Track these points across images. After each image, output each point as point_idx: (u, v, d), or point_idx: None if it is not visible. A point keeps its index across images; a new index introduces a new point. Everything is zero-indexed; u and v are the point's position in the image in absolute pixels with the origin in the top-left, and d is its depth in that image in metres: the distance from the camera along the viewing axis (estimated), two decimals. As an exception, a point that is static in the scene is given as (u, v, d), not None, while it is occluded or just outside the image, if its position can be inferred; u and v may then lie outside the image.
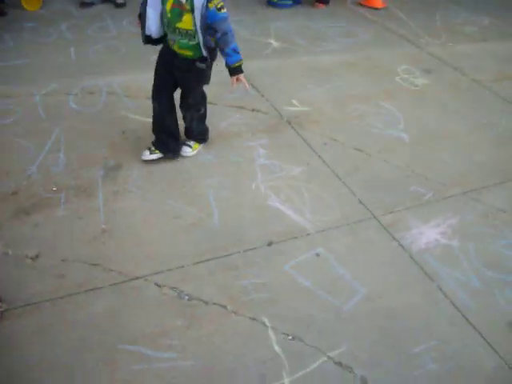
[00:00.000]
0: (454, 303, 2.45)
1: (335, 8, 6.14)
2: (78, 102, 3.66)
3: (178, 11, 2.64)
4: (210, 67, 2.91)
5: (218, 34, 2.66)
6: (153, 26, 2.76)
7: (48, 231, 2.62)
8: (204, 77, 2.94)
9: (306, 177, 3.15)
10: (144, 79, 3.92)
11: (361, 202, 3.00)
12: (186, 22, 2.66)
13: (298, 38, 5.10)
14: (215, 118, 3.55)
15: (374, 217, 2.91)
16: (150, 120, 3.20)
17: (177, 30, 2.71)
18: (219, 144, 3.36)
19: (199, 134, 3.25)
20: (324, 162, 3.29)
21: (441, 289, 2.52)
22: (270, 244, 2.66)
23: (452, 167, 3.39)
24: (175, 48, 2.80)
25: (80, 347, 2.10)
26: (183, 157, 3.20)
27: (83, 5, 5.32)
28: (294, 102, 3.94)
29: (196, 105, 3.08)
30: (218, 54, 2.86)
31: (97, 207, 2.78)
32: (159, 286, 2.38)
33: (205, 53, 2.75)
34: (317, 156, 3.34)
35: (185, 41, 2.73)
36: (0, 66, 4.10)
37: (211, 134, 3.35)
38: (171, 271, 2.46)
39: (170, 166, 3.12)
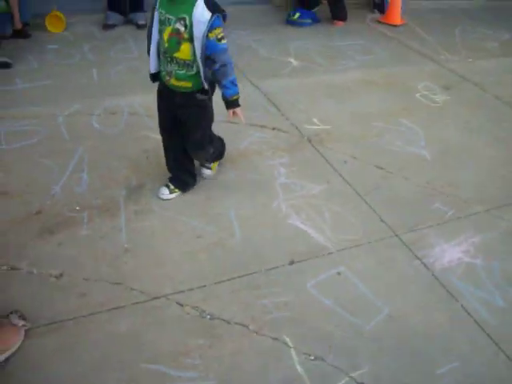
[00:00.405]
0: (477, 323, 2.42)
1: (354, 26, 6.19)
2: (101, 123, 3.72)
3: (176, 40, 2.55)
4: (210, 100, 2.81)
5: (217, 66, 2.56)
6: (152, 60, 2.70)
7: (71, 250, 2.65)
8: (207, 111, 2.83)
9: (327, 195, 3.14)
10: (165, 99, 3.99)
11: (382, 220, 2.99)
12: (183, 52, 2.56)
13: (317, 57, 5.14)
14: (236, 137, 3.58)
15: (396, 235, 2.89)
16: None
17: (174, 60, 2.60)
18: (240, 163, 3.38)
19: (215, 158, 3.20)
20: (345, 180, 3.29)
21: (464, 308, 2.48)
22: (291, 263, 2.66)
23: (474, 184, 3.36)
24: (173, 82, 2.68)
25: (102, 366, 2.11)
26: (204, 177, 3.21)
27: (106, 27, 5.44)
28: (315, 120, 3.96)
29: (203, 144, 2.93)
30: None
31: (119, 227, 2.81)
32: (181, 305, 2.39)
33: (206, 84, 2.65)
34: (337, 174, 3.34)
35: (182, 71, 2.62)
36: (25, 87, 4.19)
37: (232, 152, 3.37)
38: (193, 290, 2.47)
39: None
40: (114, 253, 2.65)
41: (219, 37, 2.50)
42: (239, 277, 2.55)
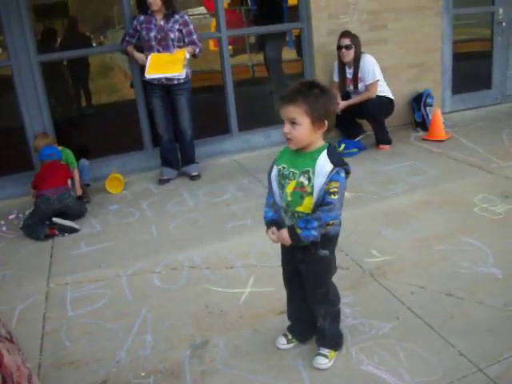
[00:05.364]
0: None
1: (399, 147, 6.26)
2: (162, 280, 3.76)
3: (300, 194, 2.48)
4: (333, 253, 2.72)
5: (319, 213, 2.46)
6: (268, 209, 2.69)
7: (140, 422, 2.57)
8: (330, 266, 2.73)
9: (398, 333, 2.97)
10: (222, 249, 4.08)
11: (462, 354, 2.77)
12: (305, 206, 2.48)
13: (368, 185, 5.15)
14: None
15: (480, 370, 2.66)
16: (232, 290, 3.22)
17: (296, 214, 2.54)
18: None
19: (333, 337, 2.85)
20: (414, 313, 3.12)
21: None
22: (369, 416, 2.47)
23: (556, 302, 3.13)
24: None
25: None
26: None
27: (161, 181, 5.75)
28: (374, 252, 3.87)
29: (330, 297, 2.79)
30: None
31: (185, 390, 2.73)
32: None
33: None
34: (406, 308, 3.18)
35: (303, 225, 2.51)
36: (89, 250, 4.37)
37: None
38: None
39: (256, 338, 3.03)
40: (182, 421, 2.55)
41: (331, 191, 2.42)
42: None
